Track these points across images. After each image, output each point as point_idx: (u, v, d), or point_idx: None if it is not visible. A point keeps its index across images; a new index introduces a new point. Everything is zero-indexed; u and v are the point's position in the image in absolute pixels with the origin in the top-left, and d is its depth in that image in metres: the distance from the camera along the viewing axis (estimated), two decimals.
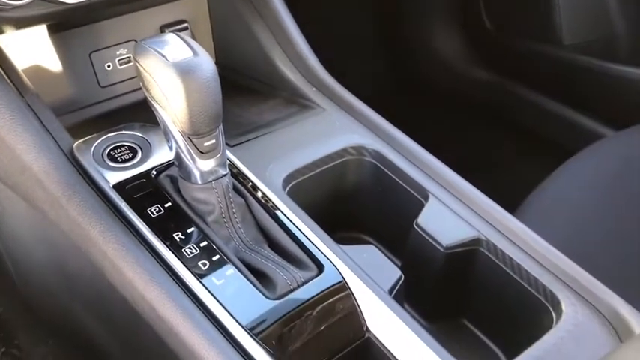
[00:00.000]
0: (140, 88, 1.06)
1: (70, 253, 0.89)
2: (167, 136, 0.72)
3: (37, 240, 0.99)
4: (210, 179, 0.74)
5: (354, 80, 1.08)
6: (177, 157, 0.73)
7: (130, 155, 0.83)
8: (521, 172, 1.71)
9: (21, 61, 0.93)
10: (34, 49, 0.96)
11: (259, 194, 0.80)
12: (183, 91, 0.66)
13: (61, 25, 0.94)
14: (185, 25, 1.11)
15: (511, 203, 0.94)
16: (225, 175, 0.74)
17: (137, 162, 0.82)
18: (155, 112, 0.72)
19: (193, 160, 0.72)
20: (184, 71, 0.66)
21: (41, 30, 0.95)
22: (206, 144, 0.71)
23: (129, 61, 1.06)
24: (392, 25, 2.09)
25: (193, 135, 0.70)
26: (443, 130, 1.82)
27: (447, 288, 0.86)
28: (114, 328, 0.91)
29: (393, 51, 2.13)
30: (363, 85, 1.09)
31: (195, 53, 0.68)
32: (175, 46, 0.68)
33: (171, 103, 0.67)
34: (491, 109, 1.94)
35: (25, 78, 0.88)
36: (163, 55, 0.67)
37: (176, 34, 0.71)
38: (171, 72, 0.66)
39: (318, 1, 1.71)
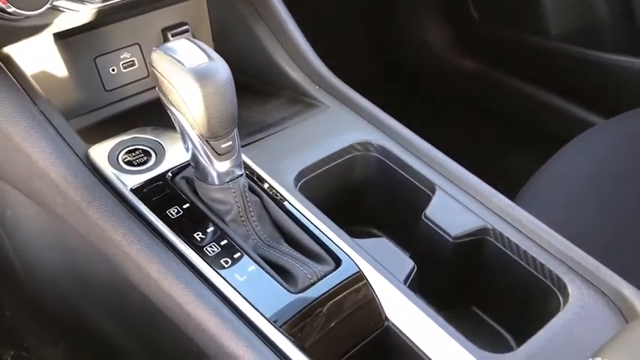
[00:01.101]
0: (144, 91, 1.10)
1: (86, 256, 0.91)
2: (184, 138, 0.74)
3: (49, 243, 1.00)
4: (227, 179, 0.76)
5: (343, 74, 1.10)
6: (195, 158, 0.76)
7: (145, 158, 0.85)
8: (512, 160, 1.75)
9: (29, 68, 0.94)
10: (40, 55, 0.97)
11: (273, 192, 0.82)
12: (201, 95, 0.68)
13: (67, 32, 0.96)
14: (186, 27, 1.12)
15: (505, 190, 0.97)
16: (241, 175, 0.77)
17: (152, 165, 0.84)
18: (172, 116, 0.74)
19: (211, 161, 0.74)
20: (202, 76, 0.68)
21: (47, 37, 0.96)
22: (223, 145, 0.73)
23: (133, 65, 1.08)
24: (380, 18, 2.11)
25: (211, 137, 0.72)
26: (433, 121, 1.85)
27: (457, 276, 0.89)
28: (132, 327, 0.93)
29: (382, 44, 2.15)
30: (353, 79, 1.11)
31: (210, 58, 0.70)
32: (191, 52, 0.71)
33: (190, 108, 0.69)
34: (481, 98, 1.97)
35: (35, 85, 0.90)
36: (180, 61, 0.69)
37: (190, 40, 0.73)
38: (189, 77, 0.68)
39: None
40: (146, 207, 0.77)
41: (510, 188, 1.17)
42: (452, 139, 1.54)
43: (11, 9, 0.75)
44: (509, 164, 1.64)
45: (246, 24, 1.12)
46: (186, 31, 1.12)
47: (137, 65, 1.08)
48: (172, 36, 1.11)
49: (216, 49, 1.19)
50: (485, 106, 1.95)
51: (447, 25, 2.05)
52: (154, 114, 0.88)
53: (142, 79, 1.09)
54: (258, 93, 1.10)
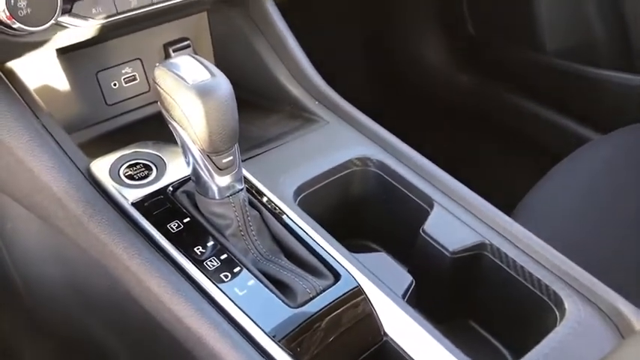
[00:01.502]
0: (145, 105, 1.11)
1: (86, 270, 0.91)
2: (185, 153, 0.75)
3: (50, 256, 1.01)
4: (228, 194, 0.77)
5: (342, 88, 1.11)
6: (196, 173, 0.76)
7: (146, 172, 0.86)
8: (509, 175, 1.76)
9: (31, 82, 0.95)
10: (43, 69, 0.99)
11: (273, 206, 0.83)
12: (203, 111, 0.69)
13: (69, 46, 0.97)
14: (187, 42, 1.13)
15: (501, 205, 0.98)
16: (241, 190, 0.78)
17: (153, 179, 0.85)
18: (174, 131, 0.75)
19: (212, 176, 0.75)
20: (204, 93, 0.69)
21: (50, 51, 0.98)
22: (224, 160, 0.74)
23: (134, 79, 1.09)
24: (379, 33, 2.13)
25: (212, 152, 0.73)
26: (431, 135, 1.87)
27: (454, 291, 0.90)
28: (132, 341, 0.94)
29: (380, 59, 2.17)
30: (352, 93, 1.13)
31: (212, 74, 0.71)
32: (193, 68, 0.72)
33: (192, 123, 0.70)
34: (478, 112, 1.99)
35: (38, 99, 0.91)
36: (183, 78, 0.70)
37: (192, 56, 0.74)
38: (192, 94, 0.69)
39: (307, 14, 1.74)
40: (147, 221, 0.78)
41: (507, 202, 1.19)
42: (450, 153, 1.56)
43: (16, 25, 0.76)
44: (506, 178, 1.65)
45: (247, 39, 1.13)
46: (188, 46, 1.14)
47: (138, 80, 1.09)
48: (174, 51, 1.12)
49: (217, 64, 1.21)
50: (483, 120, 1.97)
51: (444, 40, 2.08)
52: (155, 128, 0.89)
53: (143, 93, 1.10)
54: (258, 107, 1.11)
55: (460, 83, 2.04)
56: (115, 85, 1.07)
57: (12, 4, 0.73)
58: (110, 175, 0.84)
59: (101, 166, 0.85)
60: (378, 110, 1.15)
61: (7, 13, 0.73)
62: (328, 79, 1.11)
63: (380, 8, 2.08)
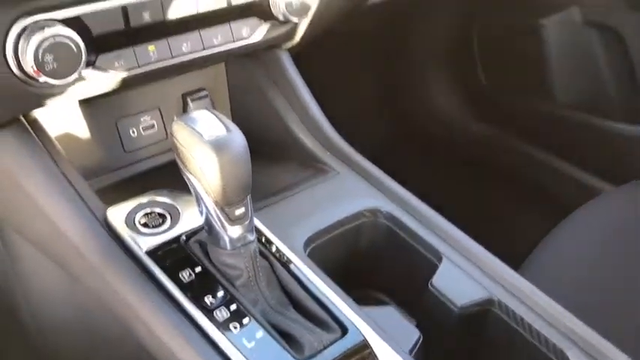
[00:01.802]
0: (162, 153, 1.14)
1: (99, 315, 0.93)
2: (199, 203, 0.77)
3: (62, 298, 1.02)
4: (239, 245, 0.78)
5: (353, 137, 1.13)
6: (208, 223, 0.78)
7: (160, 220, 0.88)
8: (520, 225, 1.76)
9: (52, 130, 0.98)
10: (64, 117, 1.02)
11: (282, 257, 0.85)
12: (217, 165, 0.71)
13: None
14: (205, 92, 1.17)
15: (512, 257, 0.99)
16: (253, 241, 0.79)
17: (167, 227, 0.87)
18: (188, 182, 0.77)
19: (224, 227, 0.77)
20: (219, 147, 0.71)
21: (72, 101, 1.01)
22: (237, 212, 0.76)
23: (152, 127, 1.12)
24: (391, 82, 2.17)
25: (225, 204, 0.75)
26: (441, 183, 1.88)
27: (460, 346, 0.90)
28: None
29: (394, 108, 2.21)
30: (362, 142, 1.15)
31: (228, 129, 0.74)
32: (210, 123, 0.74)
33: (207, 176, 0.72)
34: (490, 162, 2.00)
35: (58, 146, 0.94)
36: (199, 132, 0.73)
37: (210, 110, 0.77)
38: (208, 148, 0.71)
39: (320, 64, 1.79)
40: (160, 270, 0.79)
41: (517, 254, 1.19)
42: (461, 202, 1.57)
43: (42, 78, 0.80)
44: (516, 229, 1.65)
45: (261, 89, 1.17)
46: (205, 96, 1.17)
47: (156, 128, 1.12)
48: (192, 101, 1.16)
49: (233, 113, 1.25)
50: (494, 169, 1.98)
51: (456, 89, 2.11)
52: (170, 175, 0.91)
53: (161, 141, 1.13)
54: (269, 157, 1.13)
55: (472, 132, 2.06)
56: (133, 132, 1.10)
57: (40, 60, 0.76)
58: (126, 223, 0.86)
59: (117, 214, 0.87)
60: (389, 159, 1.17)
61: (35, 68, 0.76)
62: (339, 128, 1.14)
63: (393, 57, 2.13)
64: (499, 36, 1.89)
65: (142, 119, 1.11)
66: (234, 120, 1.22)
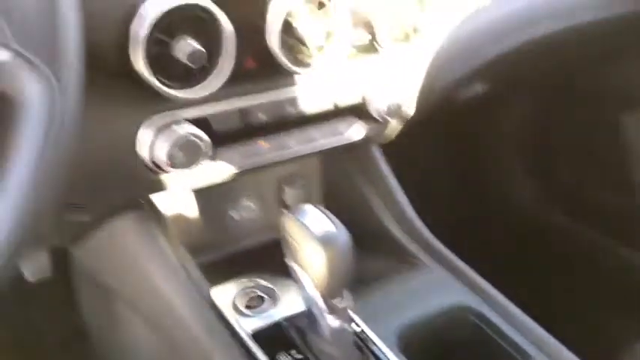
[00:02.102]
0: (260, 234, 1.21)
1: None
2: (303, 292, 0.83)
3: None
4: (337, 335, 0.83)
5: (429, 224, 1.17)
6: (310, 312, 0.83)
7: (260, 302, 0.94)
8: (605, 325, 1.71)
9: (166, 211, 1.08)
10: (176, 201, 1.12)
11: (376, 350, 0.88)
12: (325, 259, 0.77)
13: None
14: (300, 180, 1.25)
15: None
16: (350, 332, 0.84)
17: (267, 310, 0.93)
18: (292, 271, 0.84)
19: (325, 316, 0.82)
20: (327, 243, 0.77)
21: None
22: (339, 305, 0.81)
23: (252, 210, 1.20)
24: (471, 175, 2.19)
25: (328, 295, 0.80)
26: (525, 279, 1.86)
27: None
28: None
29: (472, 201, 2.22)
30: (438, 230, 1.18)
31: (335, 226, 0.80)
32: (318, 219, 0.81)
33: (313, 268, 0.78)
34: (571, 257, 1.96)
35: (172, 227, 1.03)
36: (308, 228, 0.79)
37: (317, 207, 0.83)
38: (317, 243, 0.77)
39: (404, 156, 1.85)
40: (263, 353, 0.84)
41: (600, 355, 1.16)
42: (545, 300, 1.55)
43: (169, 169, 0.89)
44: (601, 329, 1.60)
45: (352, 180, 1.23)
46: (300, 184, 1.25)
47: (256, 211, 1.20)
48: (287, 187, 1.24)
49: (324, 201, 1.32)
50: (581, 266, 1.93)
51: (535, 182, 2.10)
52: (266, 256, 0.98)
53: (259, 223, 1.20)
54: (359, 247, 1.18)
55: (552, 226, 2.04)
56: (234, 214, 1.18)
57: (174, 159, 0.85)
58: (231, 303, 0.92)
59: (221, 295, 0.94)
60: (473, 252, 1.19)
61: (169, 162, 0.86)
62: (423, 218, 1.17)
63: (471, 149, 2.16)
64: (578, 131, 1.90)
65: (243, 203, 1.19)
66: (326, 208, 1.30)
